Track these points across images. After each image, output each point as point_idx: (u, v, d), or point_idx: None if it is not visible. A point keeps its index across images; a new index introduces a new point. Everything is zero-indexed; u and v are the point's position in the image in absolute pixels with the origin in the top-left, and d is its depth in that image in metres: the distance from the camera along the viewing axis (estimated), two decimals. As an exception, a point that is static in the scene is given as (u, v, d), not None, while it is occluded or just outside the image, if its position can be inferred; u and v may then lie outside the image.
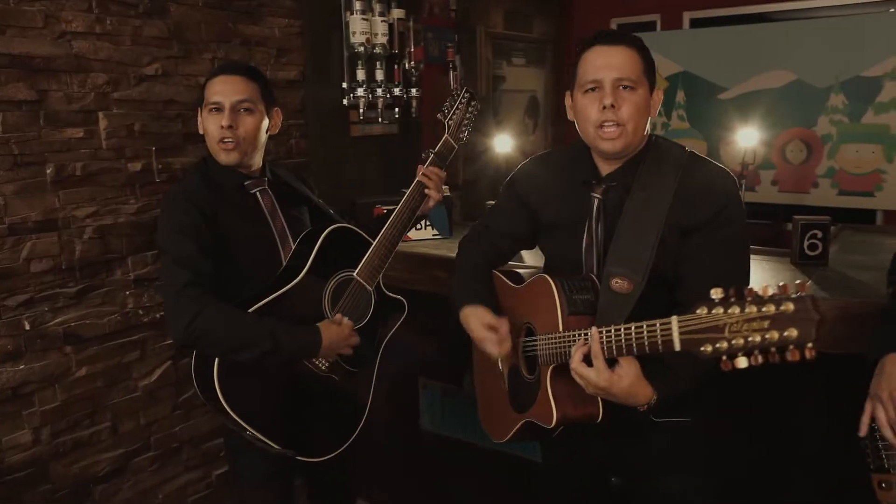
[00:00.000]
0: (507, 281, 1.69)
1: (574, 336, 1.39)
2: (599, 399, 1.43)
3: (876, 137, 3.92)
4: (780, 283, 1.00)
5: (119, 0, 2.09)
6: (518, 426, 1.65)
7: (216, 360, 1.63)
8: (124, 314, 2.21)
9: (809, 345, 0.97)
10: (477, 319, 1.63)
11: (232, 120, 1.71)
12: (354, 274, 1.84)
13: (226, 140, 1.72)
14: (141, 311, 2.25)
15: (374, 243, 1.85)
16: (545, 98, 4.78)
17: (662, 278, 1.46)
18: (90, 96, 2.05)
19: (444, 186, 1.97)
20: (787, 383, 1.96)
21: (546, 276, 1.51)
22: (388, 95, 3.00)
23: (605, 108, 1.43)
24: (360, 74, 2.86)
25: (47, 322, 2.02)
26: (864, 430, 1.43)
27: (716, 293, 1.06)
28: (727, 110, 4.26)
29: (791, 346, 0.97)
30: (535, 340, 1.53)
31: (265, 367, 1.68)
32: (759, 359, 1.00)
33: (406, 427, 2.88)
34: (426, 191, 1.89)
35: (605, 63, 1.44)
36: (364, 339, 1.86)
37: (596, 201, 1.52)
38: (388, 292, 1.95)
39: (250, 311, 1.68)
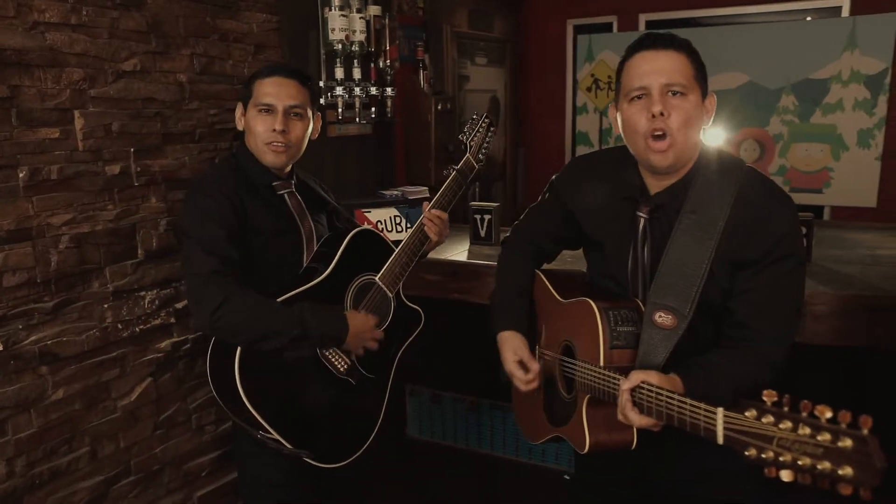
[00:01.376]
0: (552, 288, 1.63)
1: (615, 379, 1.33)
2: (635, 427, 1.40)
3: (824, 137, 4.11)
4: (841, 411, 0.92)
5: (94, -11, 1.93)
6: (550, 436, 1.63)
7: (237, 356, 1.57)
8: (103, 329, 2.04)
9: (865, 490, 0.89)
10: (511, 351, 1.60)
11: (284, 125, 1.69)
12: (376, 278, 1.81)
13: (276, 143, 1.70)
14: (120, 326, 2.09)
15: (397, 250, 1.85)
16: (505, 98, 4.78)
17: (710, 307, 1.39)
18: (66, 93, 1.88)
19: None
20: (793, 376, 2.00)
21: (591, 302, 1.43)
22: (364, 95, 2.91)
23: (654, 116, 1.33)
24: (339, 73, 2.76)
25: (21, 341, 1.83)
26: None
27: (768, 396, 0.99)
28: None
29: (842, 483, 0.90)
30: (574, 364, 1.48)
31: (285, 363, 1.64)
32: (808, 479, 0.94)
33: (392, 435, 2.80)
34: (426, 230, 1.89)
35: (651, 68, 1.35)
36: (381, 346, 1.80)
37: (642, 221, 1.44)
38: (407, 301, 1.91)
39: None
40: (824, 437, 0.91)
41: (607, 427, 1.43)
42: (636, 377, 1.27)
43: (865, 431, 0.89)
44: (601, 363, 1.39)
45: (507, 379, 1.89)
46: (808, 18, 4.26)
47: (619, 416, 1.32)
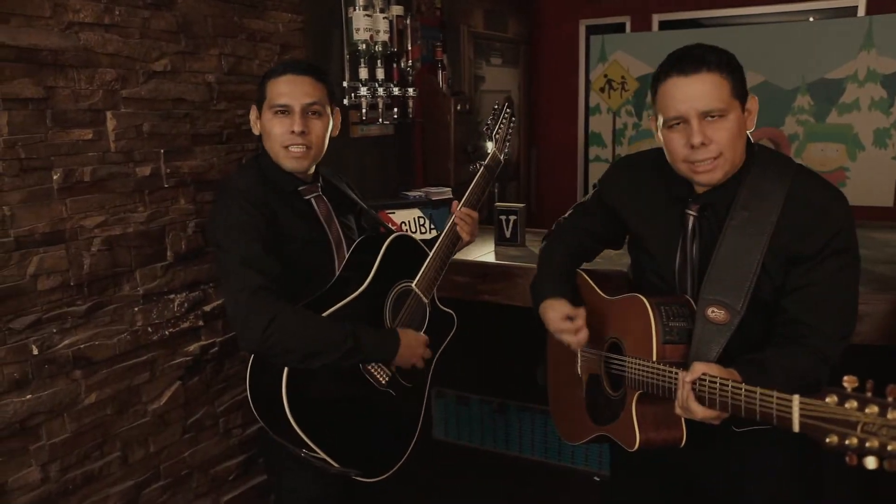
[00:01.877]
0: (595, 287, 1.62)
1: (672, 372, 1.32)
2: (684, 423, 1.39)
3: (840, 137, 4.11)
4: None
5: (126, -12, 1.91)
6: (594, 436, 1.61)
7: (284, 379, 1.52)
8: (133, 333, 2.02)
9: None
10: (555, 312, 1.57)
11: (303, 125, 1.61)
12: (413, 285, 1.77)
13: (295, 146, 1.62)
14: (150, 329, 2.06)
15: (431, 254, 1.80)
16: (518, 98, 4.76)
17: (761, 303, 1.38)
18: (98, 94, 1.86)
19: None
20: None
21: (642, 297, 1.42)
22: (387, 95, 2.89)
23: (693, 146, 1.32)
24: (363, 73, 2.74)
25: (55, 345, 1.81)
26: None
27: (849, 382, 0.97)
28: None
29: None
30: (623, 360, 1.47)
31: (329, 382, 1.59)
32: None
33: (418, 437, 2.77)
34: (458, 230, 1.84)
35: (685, 95, 1.31)
36: None
37: (691, 219, 1.43)
38: (440, 306, 1.88)
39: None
40: None
41: (657, 424, 1.42)
42: (698, 368, 1.26)
43: None
44: (653, 358, 1.38)
45: (544, 382, 1.88)
46: (811, 19, 4.25)
47: (678, 410, 1.30)
